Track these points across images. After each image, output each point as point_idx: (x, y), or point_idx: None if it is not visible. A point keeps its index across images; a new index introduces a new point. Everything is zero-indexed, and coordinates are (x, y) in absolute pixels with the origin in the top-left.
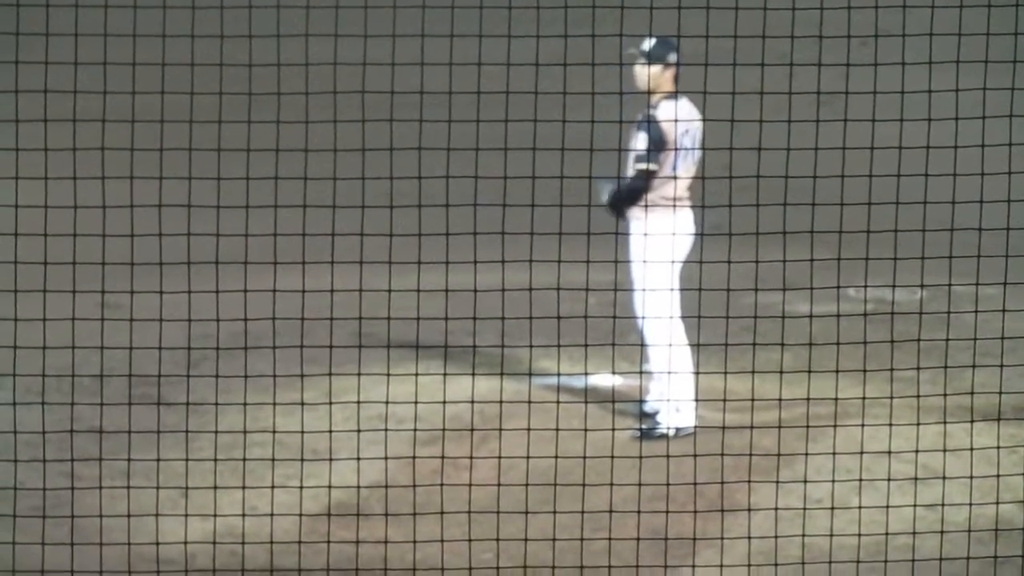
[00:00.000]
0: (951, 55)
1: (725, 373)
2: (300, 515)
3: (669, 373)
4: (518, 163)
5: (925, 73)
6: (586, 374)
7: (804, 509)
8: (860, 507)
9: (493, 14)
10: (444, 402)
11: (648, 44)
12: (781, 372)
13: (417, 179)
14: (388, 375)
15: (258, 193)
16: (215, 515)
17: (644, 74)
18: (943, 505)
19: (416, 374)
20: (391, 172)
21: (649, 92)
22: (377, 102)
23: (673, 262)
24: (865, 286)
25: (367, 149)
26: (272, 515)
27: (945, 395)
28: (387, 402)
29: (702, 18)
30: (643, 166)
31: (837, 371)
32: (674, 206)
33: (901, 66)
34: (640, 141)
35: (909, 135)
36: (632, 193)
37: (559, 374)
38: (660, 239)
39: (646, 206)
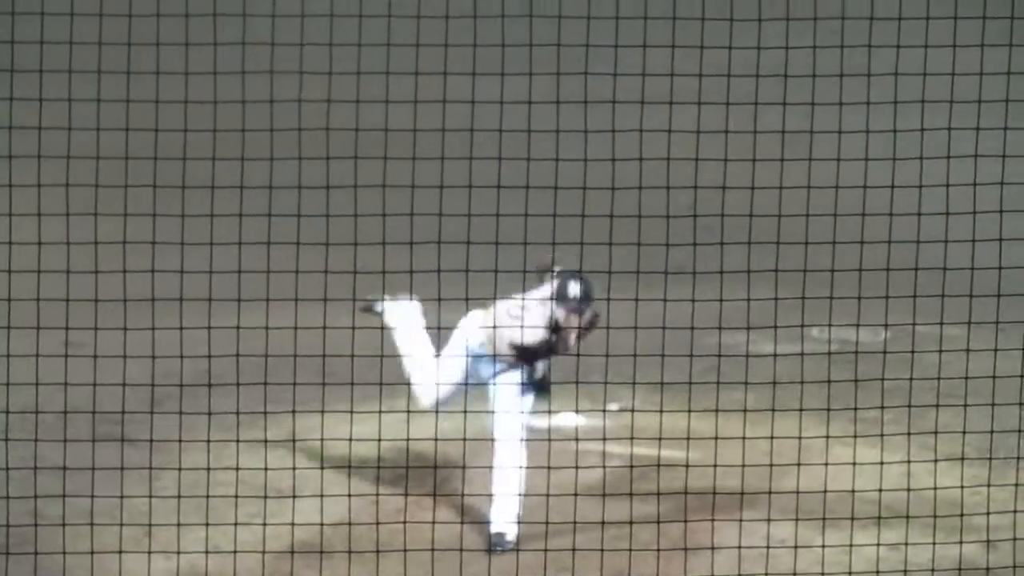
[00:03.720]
0: (916, 95)
1: (689, 412)
2: (263, 553)
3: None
4: (483, 201)
5: (890, 113)
6: (549, 413)
7: (767, 548)
8: (823, 546)
9: (458, 52)
10: (408, 440)
11: (576, 289)
12: (745, 411)
13: (381, 216)
14: (352, 413)
15: (221, 230)
16: (178, 553)
17: (574, 322)
18: (906, 545)
19: (380, 412)
20: (355, 209)
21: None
22: (342, 140)
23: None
24: (829, 325)
25: (331, 187)
26: (235, 553)
27: (909, 435)
28: (351, 440)
29: (667, 57)
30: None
31: (801, 410)
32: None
33: (866, 106)
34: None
35: (874, 175)
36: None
37: (523, 412)
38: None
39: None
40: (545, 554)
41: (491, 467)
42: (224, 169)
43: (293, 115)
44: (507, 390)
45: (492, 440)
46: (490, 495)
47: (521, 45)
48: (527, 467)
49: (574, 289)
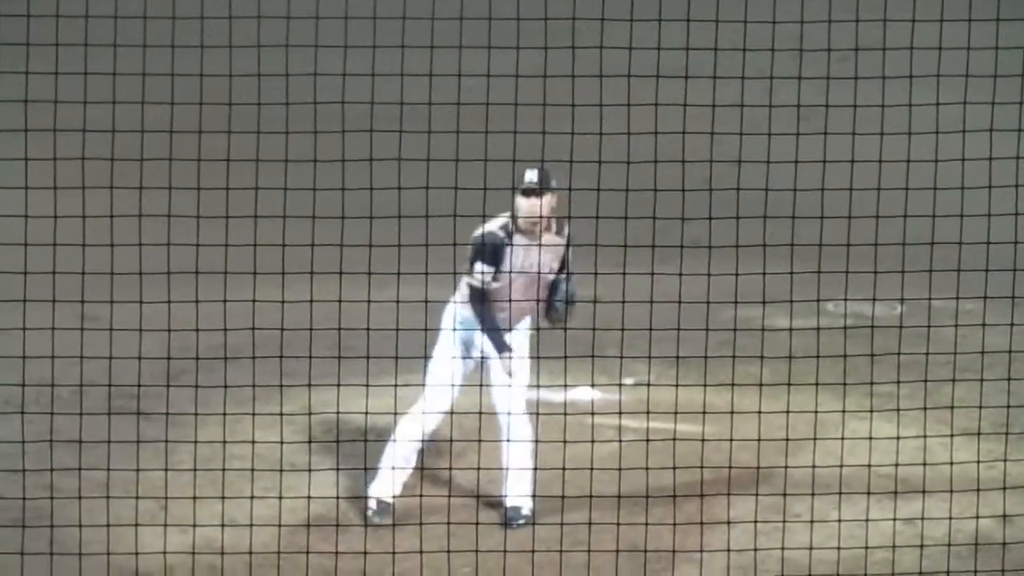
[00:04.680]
0: (931, 70)
1: (704, 386)
2: (279, 527)
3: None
4: (498, 175)
5: (905, 88)
6: (565, 387)
7: (783, 523)
8: (839, 521)
9: (473, 25)
10: (423, 414)
11: (533, 175)
12: (760, 386)
13: (397, 190)
14: (367, 387)
15: (238, 204)
16: (194, 526)
17: (537, 207)
18: (922, 519)
19: (395, 386)
20: (371, 183)
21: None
22: (357, 114)
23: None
24: (845, 300)
25: (346, 160)
26: (251, 527)
27: (925, 409)
28: (367, 414)
29: (682, 31)
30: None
31: (816, 385)
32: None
33: (881, 80)
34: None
35: (889, 149)
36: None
37: (538, 387)
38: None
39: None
40: (561, 528)
41: (504, 441)
42: (240, 142)
43: (308, 88)
44: (515, 363)
45: (499, 414)
46: (504, 469)
47: (536, 19)
48: (542, 441)
49: (530, 174)
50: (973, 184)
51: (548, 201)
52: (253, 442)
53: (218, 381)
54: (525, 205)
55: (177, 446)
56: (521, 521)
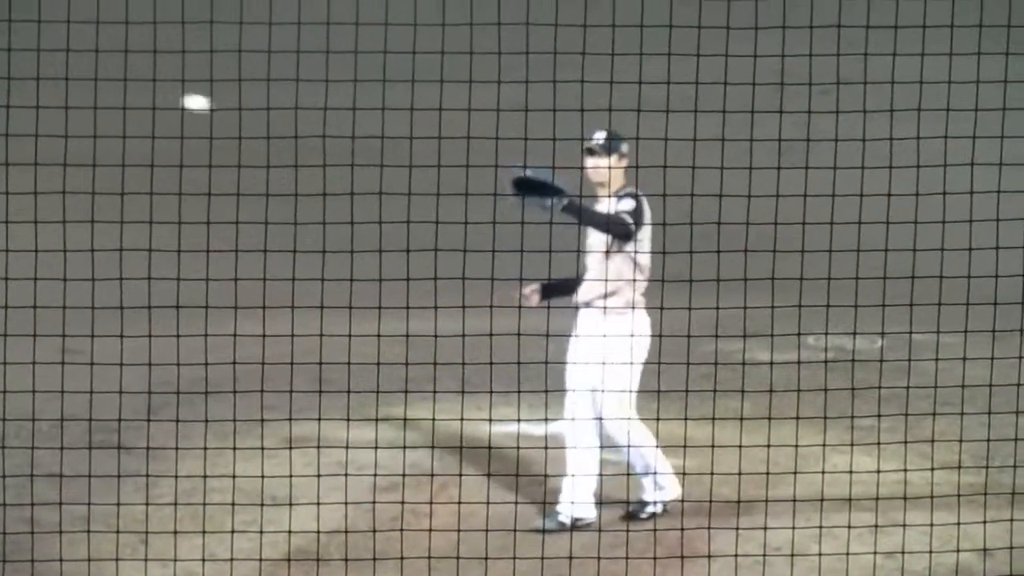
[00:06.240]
0: (913, 104)
1: (685, 419)
2: (260, 561)
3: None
4: (480, 209)
5: (887, 121)
6: (546, 420)
7: (764, 556)
8: (820, 554)
9: (453, 60)
10: (404, 447)
11: (601, 135)
12: (741, 419)
13: (378, 224)
14: (348, 421)
15: (219, 238)
16: (175, 560)
17: (601, 166)
18: (903, 553)
19: (376, 419)
20: (352, 217)
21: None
22: (338, 147)
23: (632, 364)
24: (826, 333)
25: (327, 194)
26: (232, 561)
27: (905, 443)
28: (347, 447)
29: (664, 65)
30: (628, 220)
31: (797, 418)
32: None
33: (863, 114)
34: (624, 205)
35: (871, 183)
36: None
37: (519, 420)
38: (631, 341)
39: (632, 307)
40: (541, 562)
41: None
42: (221, 176)
43: (290, 122)
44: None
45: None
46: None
47: (518, 53)
48: (523, 475)
49: (598, 134)
50: (954, 218)
51: (614, 162)
52: (234, 476)
53: (199, 415)
54: (588, 163)
55: (158, 480)
56: (553, 527)
